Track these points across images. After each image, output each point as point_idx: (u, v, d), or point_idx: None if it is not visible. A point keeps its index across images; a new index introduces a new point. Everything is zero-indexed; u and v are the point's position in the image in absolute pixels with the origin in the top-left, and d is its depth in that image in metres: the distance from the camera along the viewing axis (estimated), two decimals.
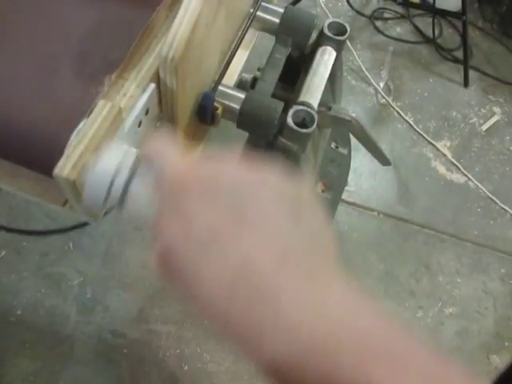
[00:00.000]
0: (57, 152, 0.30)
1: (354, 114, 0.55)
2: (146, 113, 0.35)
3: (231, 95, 0.49)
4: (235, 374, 0.94)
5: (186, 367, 0.93)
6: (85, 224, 1.03)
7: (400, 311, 1.05)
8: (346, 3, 1.50)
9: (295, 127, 0.47)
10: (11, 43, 0.33)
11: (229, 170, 0.24)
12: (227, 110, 0.49)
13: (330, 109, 0.56)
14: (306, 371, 0.20)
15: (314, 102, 0.50)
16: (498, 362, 1.02)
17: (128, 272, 1.01)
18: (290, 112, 0.48)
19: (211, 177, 0.23)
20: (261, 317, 0.20)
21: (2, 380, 0.88)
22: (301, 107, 0.48)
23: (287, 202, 0.23)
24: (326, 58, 0.54)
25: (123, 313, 0.97)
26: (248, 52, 0.57)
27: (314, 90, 0.51)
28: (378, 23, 1.50)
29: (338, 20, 0.56)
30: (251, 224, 0.22)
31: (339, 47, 0.55)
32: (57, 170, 0.28)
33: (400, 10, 1.54)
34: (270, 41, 0.62)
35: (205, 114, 0.45)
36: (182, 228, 0.22)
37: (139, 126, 0.35)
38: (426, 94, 1.37)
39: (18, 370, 0.90)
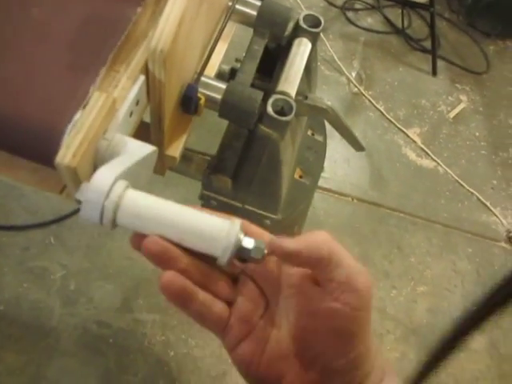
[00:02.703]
0: (54, 142, 0.32)
1: (329, 103, 0.58)
2: (137, 103, 0.37)
3: (213, 86, 0.51)
4: (220, 357, 0.97)
5: (172, 353, 0.96)
6: (65, 217, 1.03)
7: (375, 291, 1.10)
8: None
9: (275, 115, 0.49)
10: (4, 38, 0.34)
11: None
12: (209, 100, 0.51)
13: (306, 98, 0.59)
14: None
15: (292, 91, 0.52)
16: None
17: (110, 263, 1.02)
18: (270, 101, 0.50)
19: None
20: None
21: None
22: (279, 96, 0.51)
23: None
24: (302, 49, 0.56)
25: (107, 303, 0.98)
26: (227, 44, 0.59)
27: (291, 80, 0.53)
28: (350, 14, 1.54)
29: (312, 13, 0.58)
30: None
31: (314, 39, 0.58)
32: (58, 159, 0.30)
33: (370, 0, 1.58)
34: (243, 31, 0.64)
35: (189, 105, 0.47)
36: None
37: (130, 115, 0.37)
38: (396, 83, 1.42)
39: (4, 364, 0.90)
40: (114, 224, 0.28)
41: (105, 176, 0.27)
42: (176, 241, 0.27)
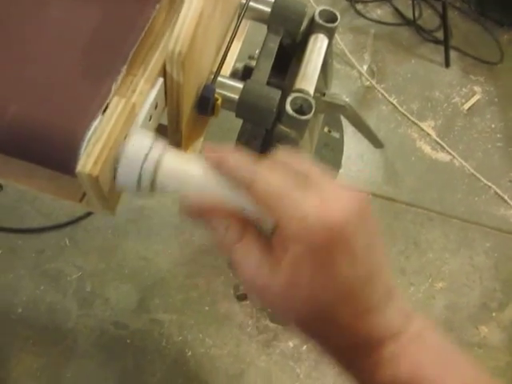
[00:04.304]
0: (73, 149, 0.32)
1: (347, 99, 0.56)
2: (156, 107, 0.37)
3: (229, 85, 0.50)
4: (237, 357, 0.96)
5: (190, 353, 0.96)
6: (79, 219, 1.04)
7: None
8: None
9: (294, 114, 0.48)
10: (20, 43, 0.33)
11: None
12: (226, 100, 0.50)
13: (323, 95, 0.58)
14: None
15: (310, 88, 0.51)
16: (487, 332, 1.07)
17: (126, 264, 1.02)
18: (289, 99, 0.49)
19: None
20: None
21: (9, 376, 0.89)
22: (298, 94, 0.50)
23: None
24: (318, 46, 0.55)
25: (124, 304, 0.98)
26: (241, 42, 0.58)
27: (309, 78, 0.52)
28: (359, 6, 1.52)
29: (328, 8, 0.57)
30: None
31: (331, 34, 0.57)
32: (79, 168, 0.29)
33: None
34: (251, 27, 0.63)
35: (206, 106, 0.46)
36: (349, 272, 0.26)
37: (150, 120, 0.36)
38: (408, 76, 1.40)
39: (23, 366, 0.91)
40: (153, 186, 0.28)
41: (141, 138, 0.29)
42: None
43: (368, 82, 1.35)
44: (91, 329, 0.95)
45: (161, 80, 0.36)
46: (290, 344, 0.97)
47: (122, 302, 0.98)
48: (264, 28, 0.61)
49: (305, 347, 0.97)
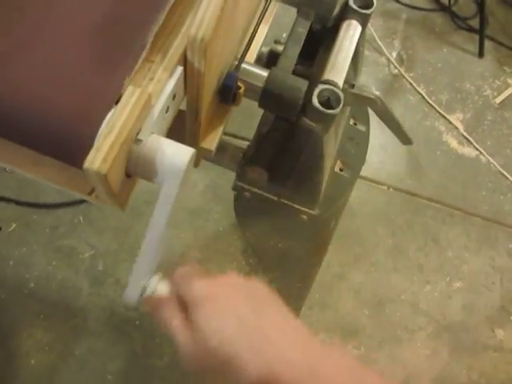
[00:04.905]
0: (86, 141, 0.29)
1: (377, 93, 0.53)
2: (174, 97, 0.34)
3: (253, 73, 0.47)
4: None
5: None
6: None
7: (408, 285, 1.06)
8: None
9: (321, 108, 0.45)
10: (33, 32, 0.31)
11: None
12: (249, 89, 0.47)
13: (352, 86, 0.54)
14: None
15: (340, 80, 0.48)
16: (503, 335, 1.04)
17: (138, 246, 1.00)
18: (316, 91, 0.46)
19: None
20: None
21: (20, 350, 0.90)
22: (326, 86, 0.46)
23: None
24: (351, 33, 0.51)
25: None
26: (268, 26, 0.55)
27: (339, 68, 0.49)
28: None
29: None
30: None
31: (364, 21, 0.53)
32: (87, 164, 0.27)
33: None
34: (279, 9, 0.59)
35: (228, 94, 0.44)
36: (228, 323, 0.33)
37: (167, 111, 0.33)
38: (439, 65, 1.34)
39: (33, 340, 0.91)
40: None
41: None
42: None
43: (396, 70, 1.29)
44: (102, 308, 0.95)
45: (180, 68, 0.33)
46: None
47: None
48: (292, 10, 0.57)
49: None
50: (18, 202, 1.01)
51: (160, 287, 0.39)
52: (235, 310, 0.33)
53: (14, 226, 1.00)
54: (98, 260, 0.99)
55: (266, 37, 0.57)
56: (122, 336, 0.94)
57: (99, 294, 0.96)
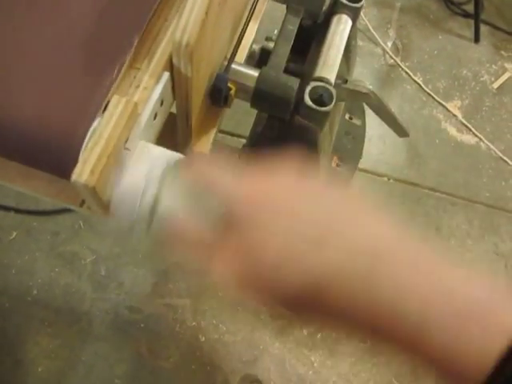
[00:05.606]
0: (72, 153, 0.29)
1: (371, 87, 0.52)
2: (161, 104, 0.33)
3: (244, 73, 0.46)
4: (251, 343, 0.95)
5: (203, 338, 0.95)
6: None
7: None
8: None
9: (313, 105, 0.44)
10: (13, 43, 0.30)
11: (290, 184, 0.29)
12: (240, 90, 0.46)
13: (345, 81, 0.54)
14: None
15: (332, 76, 0.47)
16: None
17: (140, 248, 1.01)
18: (307, 89, 0.45)
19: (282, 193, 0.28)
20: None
21: (26, 357, 0.90)
22: (318, 83, 0.46)
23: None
24: (341, 28, 0.51)
25: (138, 288, 0.97)
26: (258, 23, 0.54)
27: (330, 64, 0.48)
28: None
29: None
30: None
31: (355, 15, 0.52)
32: (74, 176, 0.26)
33: None
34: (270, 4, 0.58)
35: (218, 97, 0.43)
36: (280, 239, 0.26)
37: (155, 118, 0.33)
38: (435, 53, 1.33)
39: (39, 347, 0.92)
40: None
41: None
42: None
43: (392, 60, 1.28)
44: (106, 312, 0.95)
45: (167, 74, 0.33)
46: (304, 332, 0.96)
47: (136, 287, 0.98)
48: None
49: (319, 335, 0.95)
50: (17, 210, 1.01)
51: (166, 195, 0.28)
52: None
53: (14, 234, 1.00)
54: (100, 264, 0.99)
55: (257, 33, 0.56)
56: (128, 339, 0.94)
57: (103, 299, 0.96)
